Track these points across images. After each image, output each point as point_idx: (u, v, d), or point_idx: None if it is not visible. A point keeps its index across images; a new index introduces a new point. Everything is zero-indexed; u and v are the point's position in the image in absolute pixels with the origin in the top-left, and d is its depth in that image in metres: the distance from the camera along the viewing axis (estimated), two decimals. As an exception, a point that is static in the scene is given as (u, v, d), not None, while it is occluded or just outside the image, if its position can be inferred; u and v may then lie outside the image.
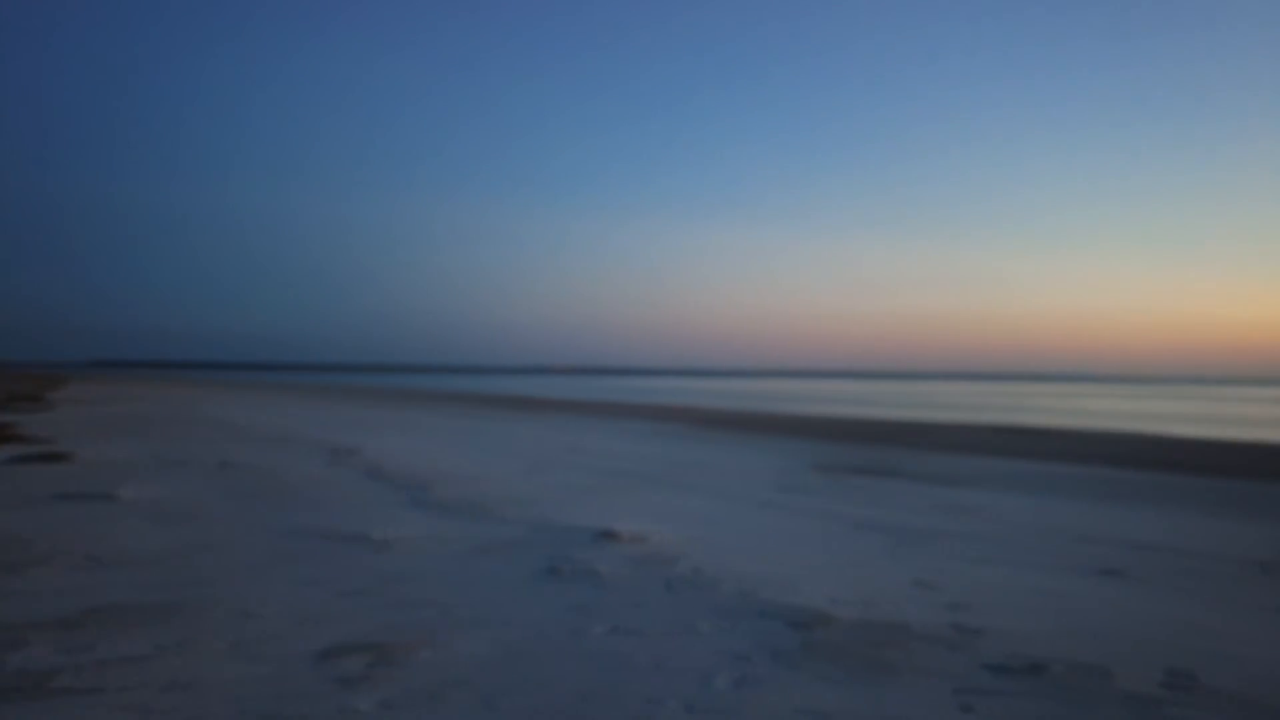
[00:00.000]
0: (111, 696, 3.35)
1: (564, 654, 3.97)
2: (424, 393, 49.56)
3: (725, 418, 28.62)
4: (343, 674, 3.67)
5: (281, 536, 6.55)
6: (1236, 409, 43.56)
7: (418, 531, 6.87)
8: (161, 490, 8.77)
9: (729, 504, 8.84)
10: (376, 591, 4.99)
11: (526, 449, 14.73)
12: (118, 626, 4.22)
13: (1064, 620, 4.70)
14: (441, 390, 55.59)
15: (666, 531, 7.06)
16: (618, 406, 36.12)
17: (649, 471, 11.65)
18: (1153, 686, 3.70)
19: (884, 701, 3.48)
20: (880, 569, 5.91)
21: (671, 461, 13.25)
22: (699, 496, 9.33)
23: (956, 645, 4.20)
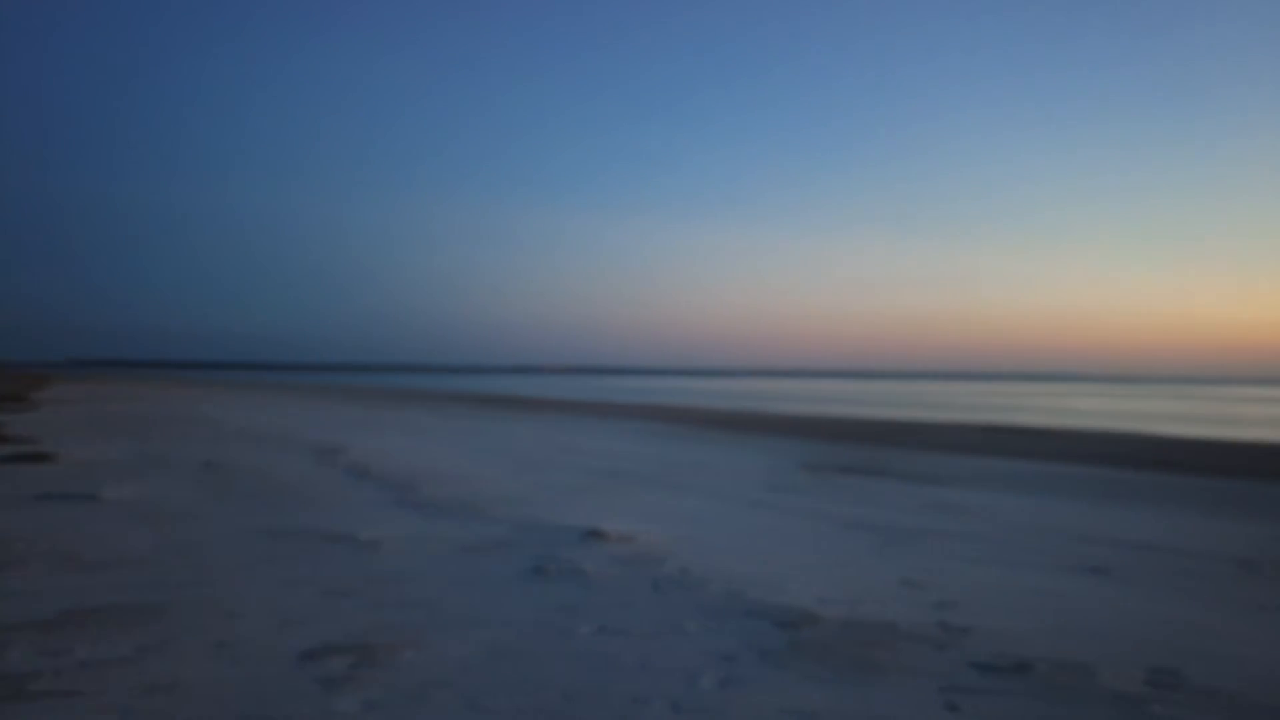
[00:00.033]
0: (90, 699, 3.31)
1: (549, 654, 3.95)
2: (419, 392, 49.42)
3: (717, 417, 28.64)
4: (326, 675, 3.63)
5: (266, 537, 6.50)
6: (1231, 409, 43.87)
7: (404, 531, 6.83)
8: (145, 490, 8.69)
9: (718, 503, 8.83)
10: (361, 592, 4.95)
11: (516, 448, 14.69)
12: (98, 628, 4.17)
13: (1051, 619, 4.70)
14: (437, 390, 55.42)
15: (655, 531, 7.04)
16: (610, 406, 36.09)
17: (639, 471, 11.63)
18: (1138, 685, 3.70)
19: (870, 701, 3.47)
20: (868, 568, 5.90)
21: (661, 461, 13.23)
22: (688, 496, 9.32)
23: (943, 644, 4.19)
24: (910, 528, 7.57)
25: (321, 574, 5.36)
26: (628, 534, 6.81)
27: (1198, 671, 3.88)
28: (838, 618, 4.61)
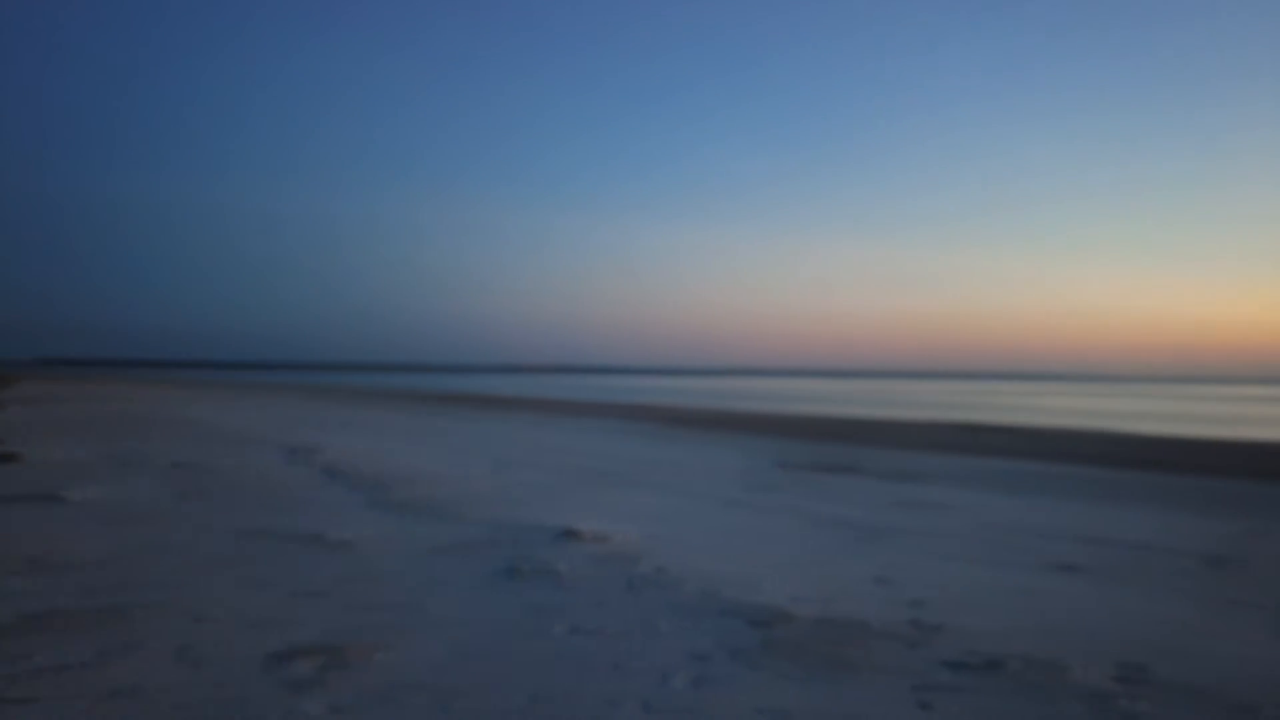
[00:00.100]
0: (47, 706, 3.23)
1: (521, 655, 3.91)
2: (402, 392, 49.07)
3: (694, 416, 28.67)
4: (293, 678, 3.57)
5: (235, 538, 6.40)
6: (1207, 407, 44.59)
7: (376, 532, 6.76)
8: (112, 491, 8.54)
9: (694, 502, 8.82)
10: (331, 593, 4.89)
11: (493, 448, 14.61)
12: (59, 633, 4.08)
13: (1022, 616, 4.73)
14: (420, 390, 55.04)
15: (630, 530, 7.01)
16: (589, 405, 36.03)
17: (615, 470, 11.60)
18: (1107, 680, 3.73)
19: (842, 700, 3.47)
20: (842, 566, 5.92)
21: (638, 460, 13.21)
22: (664, 495, 9.30)
23: (916, 642, 4.20)
24: (884, 525, 7.60)
25: (290, 576, 5.28)
26: (603, 533, 6.78)
27: (1165, 667, 3.92)
28: (811, 616, 4.61)
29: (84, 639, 3.99)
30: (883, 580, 5.49)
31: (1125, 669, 3.88)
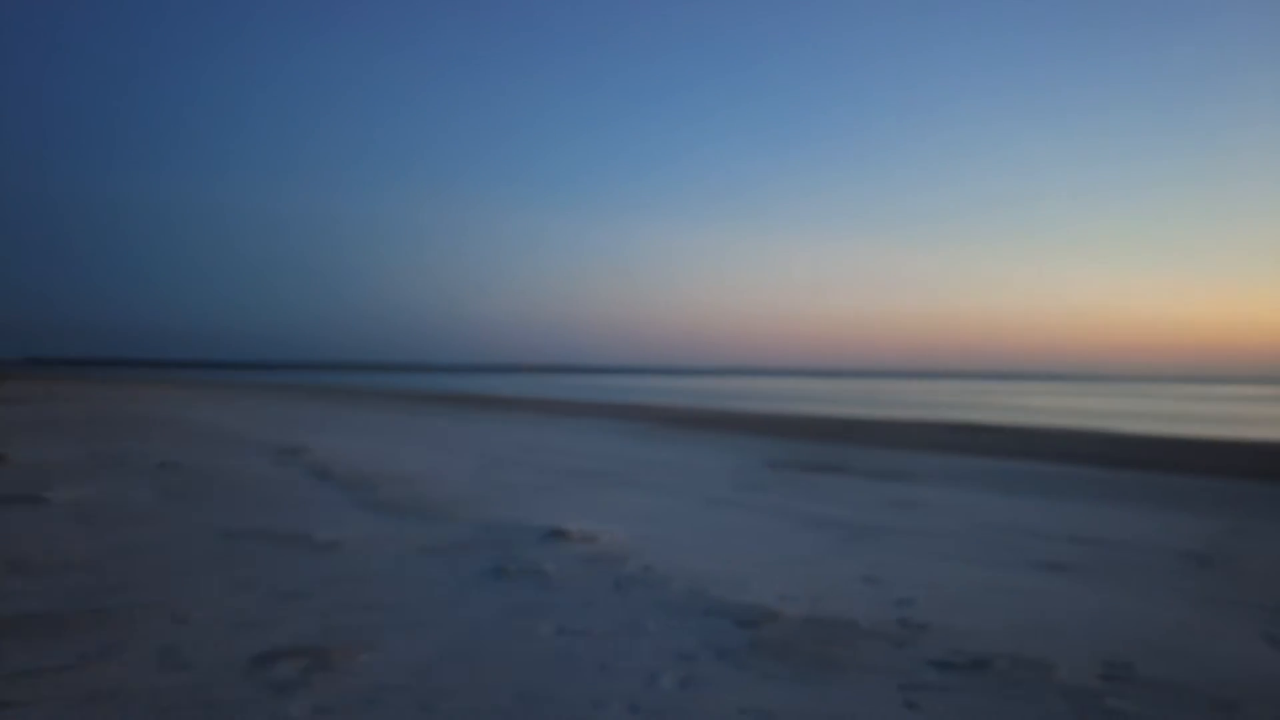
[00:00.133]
0: (23, 711, 3.19)
1: (507, 656, 3.89)
2: (396, 392, 48.89)
3: (686, 416, 28.67)
4: (276, 680, 3.54)
5: (219, 538, 6.36)
6: (1197, 407, 44.84)
7: (362, 532, 6.72)
8: (95, 491, 8.47)
9: (683, 501, 8.81)
10: (316, 594, 4.85)
11: (483, 447, 14.57)
12: (37, 636, 4.03)
13: (1009, 615, 4.73)
14: (414, 389, 54.84)
15: (618, 530, 7.00)
16: (581, 405, 35.99)
17: (605, 470, 11.58)
18: (1093, 679, 3.73)
19: (829, 699, 3.46)
20: (830, 565, 5.91)
21: (628, 459, 13.19)
22: (653, 494, 9.28)
23: (903, 641, 4.20)
24: (873, 525, 7.61)
25: (276, 576, 5.24)
26: (591, 533, 6.76)
27: (1150, 664, 3.92)
28: (798, 615, 4.60)
29: (63, 642, 3.95)
30: (871, 579, 5.49)
31: (1111, 667, 3.88)
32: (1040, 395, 62.49)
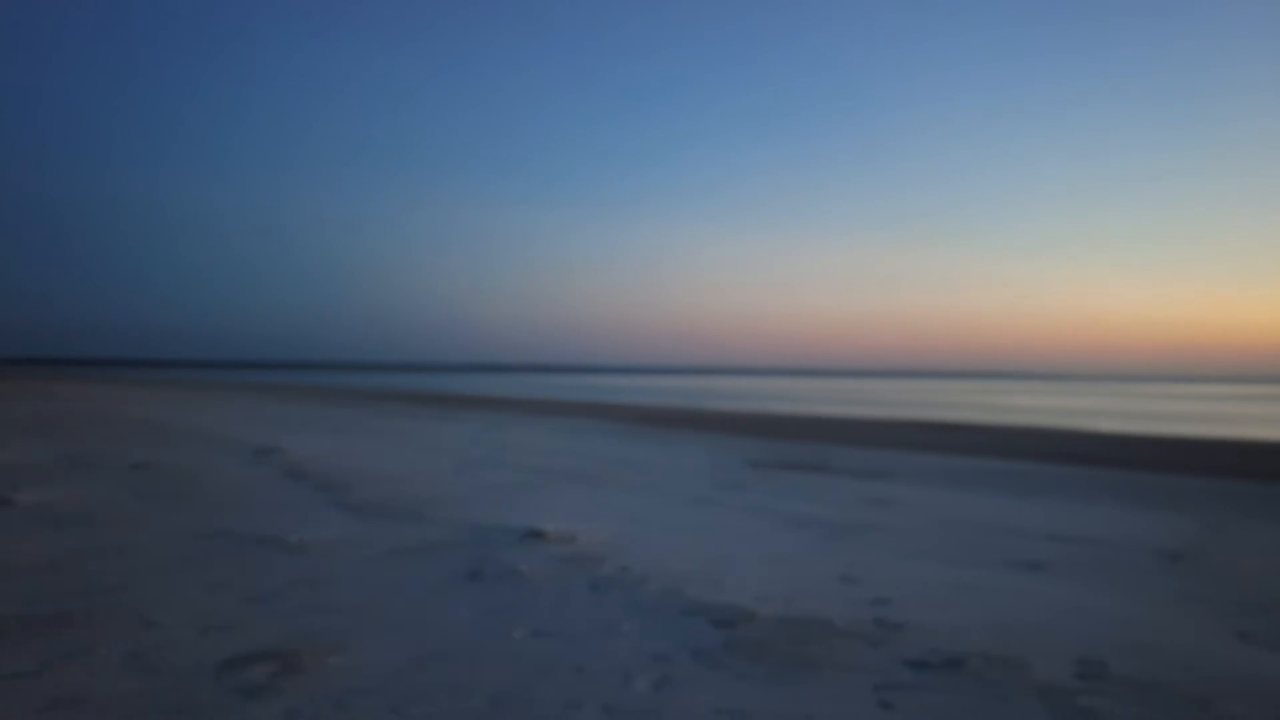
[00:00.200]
0: (-16, 716, 3.12)
1: (481, 658, 3.85)
2: (380, 392, 48.52)
3: (667, 415, 28.66)
4: (246, 684, 3.49)
5: (190, 540, 6.26)
6: (1167, 405, 45.36)
7: (336, 533, 6.65)
8: (64, 493, 8.33)
9: (662, 501, 8.79)
10: (288, 596, 4.78)
11: (460, 447, 14.48)
12: None
13: (984, 614, 4.75)
14: (399, 389, 54.48)
15: (596, 530, 6.96)
16: (564, 404, 35.89)
17: (583, 469, 11.54)
18: (1067, 677, 3.74)
19: (804, 700, 3.45)
20: (807, 564, 5.91)
21: (607, 459, 13.15)
22: (632, 494, 9.26)
23: (878, 641, 4.20)
24: (851, 523, 7.62)
25: (247, 578, 5.17)
26: (568, 534, 6.73)
27: (1123, 662, 3.94)
28: (774, 615, 4.59)
29: (25, 647, 3.87)
30: (848, 579, 5.49)
31: (1085, 666, 3.90)
32: (1021, 394, 63.02)
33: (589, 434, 18.91)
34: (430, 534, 6.70)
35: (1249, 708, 3.45)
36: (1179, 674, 3.82)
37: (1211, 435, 23.34)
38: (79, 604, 4.56)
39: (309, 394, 41.50)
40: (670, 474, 11.30)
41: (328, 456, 12.26)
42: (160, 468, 10.54)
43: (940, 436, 20.34)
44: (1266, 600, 5.21)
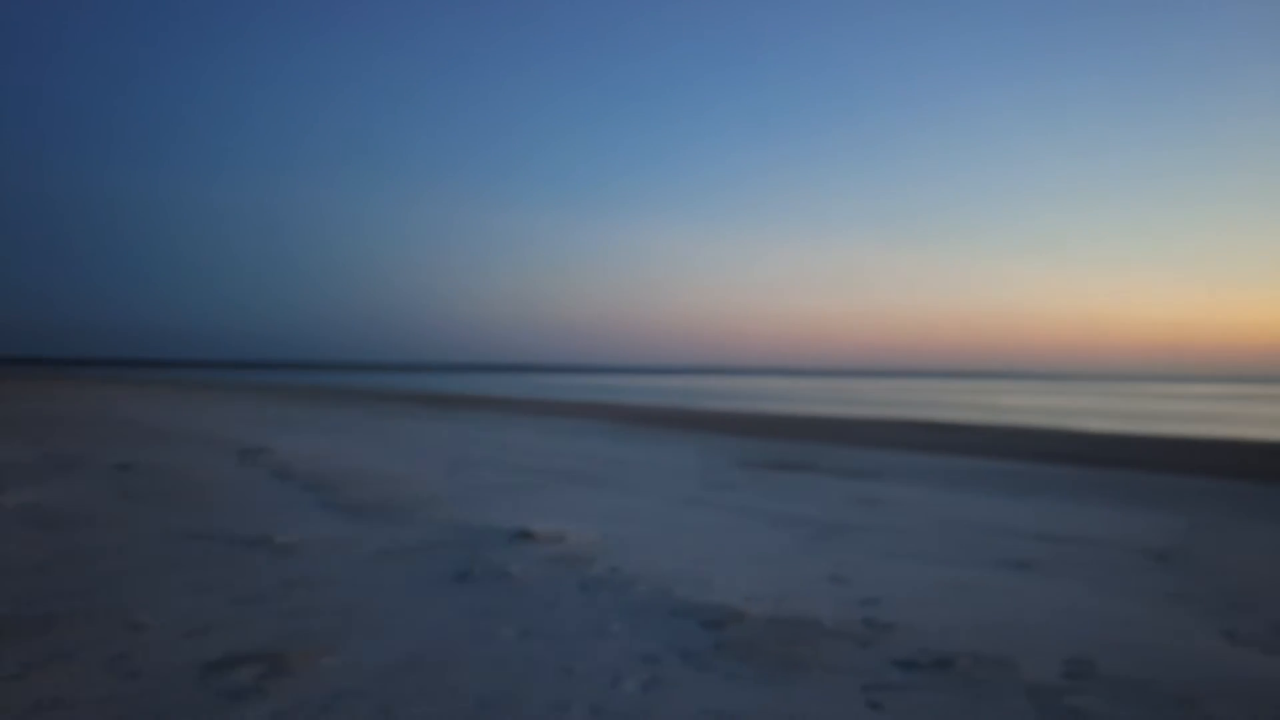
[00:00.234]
0: (-35, 720, 3.09)
1: (470, 660, 3.83)
2: (372, 392, 48.31)
3: (657, 415, 28.65)
4: (232, 686, 3.46)
5: (177, 541, 6.22)
6: (1162, 405, 45.57)
7: (324, 534, 6.62)
8: (50, 494, 8.27)
9: (652, 501, 8.78)
10: (275, 598, 4.76)
11: (450, 447, 14.44)
12: (-17, 642, 3.91)
13: (972, 613, 4.75)
14: (391, 389, 54.21)
15: (586, 530, 6.95)
16: (556, 404, 35.84)
17: (574, 469, 11.52)
18: (1055, 676, 3.75)
19: (793, 700, 3.44)
20: (797, 564, 5.91)
21: (598, 459, 13.14)
22: (622, 494, 9.24)
23: (867, 641, 4.20)
24: (840, 523, 7.62)
25: (234, 580, 5.13)
26: (558, 534, 6.71)
27: (1111, 661, 3.95)
28: (763, 615, 4.59)
29: (7, 650, 3.83)
30: (837, 579, 5.49)
31: (1073, 665, 3.90)
32: (1015, 394, 63.23)
33: (582, 434, 18.88)
34: (420, 534, 6.68)
35: (1236, 707, 3.46)
36: (1167, 673, 3.83)
37: (1205, 435, 23.47)
38: (64, 605, 4.52)
39: (308, 394, 41.35)
40: (660, 474, 11.29)
41: (317, 457, 12.21)
42: (147, 468, 10.47)
43: (933, 436, 20.40)
44: (1254, 600, 5.23)
